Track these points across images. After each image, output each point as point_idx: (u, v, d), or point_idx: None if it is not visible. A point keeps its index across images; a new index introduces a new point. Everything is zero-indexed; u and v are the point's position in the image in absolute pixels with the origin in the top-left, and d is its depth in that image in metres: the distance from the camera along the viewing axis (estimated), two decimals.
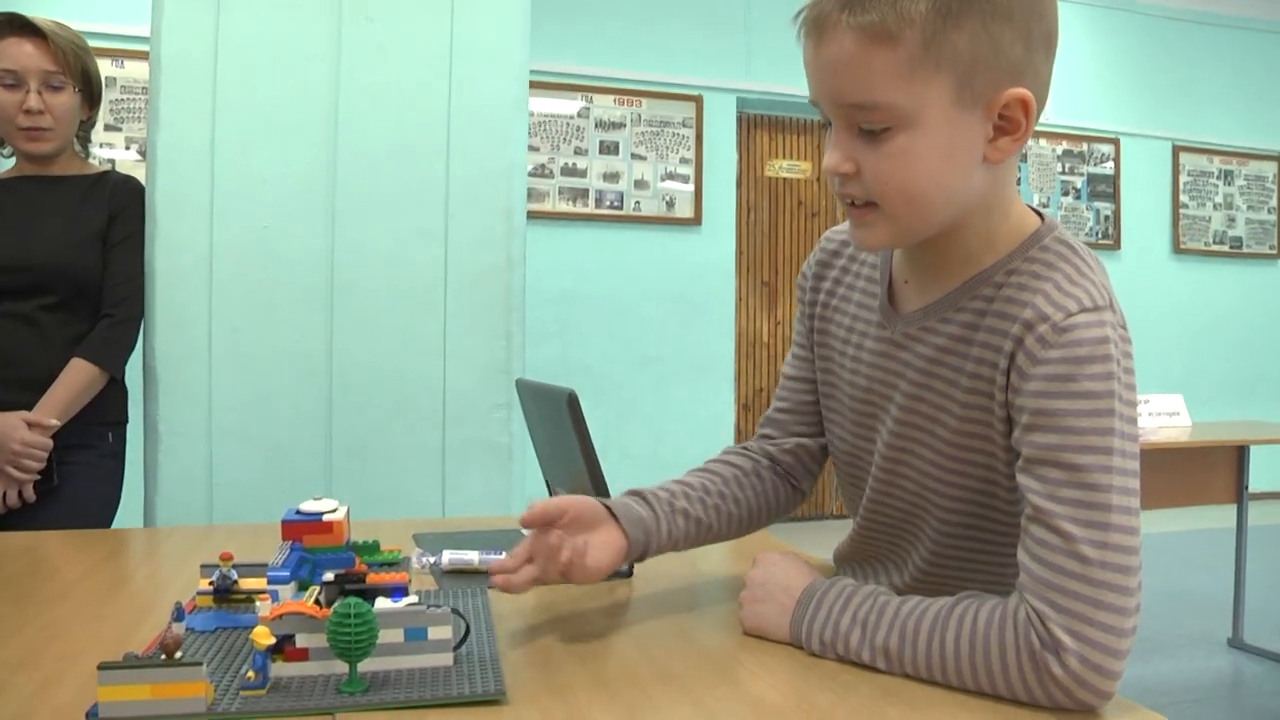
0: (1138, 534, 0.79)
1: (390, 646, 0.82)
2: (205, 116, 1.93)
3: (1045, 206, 6.17)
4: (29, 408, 1.77)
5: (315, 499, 1.00)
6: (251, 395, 1.95)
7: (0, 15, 1.85)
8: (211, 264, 1.93)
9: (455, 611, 0.85)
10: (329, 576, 0.89)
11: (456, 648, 0.84)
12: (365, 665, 0.80)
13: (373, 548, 1.15)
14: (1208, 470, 3.31)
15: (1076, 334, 0.81)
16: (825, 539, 1.59)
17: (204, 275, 1.93)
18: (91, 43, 1.99)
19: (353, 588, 0.87)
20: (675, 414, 5.38)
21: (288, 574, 0.88)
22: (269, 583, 0.87)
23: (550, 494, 1.44)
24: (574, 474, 1.19)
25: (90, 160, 2.01)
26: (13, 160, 1.94)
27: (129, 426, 1.96)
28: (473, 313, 2.07)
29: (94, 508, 1.85)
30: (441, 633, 0.83)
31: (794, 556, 1.02)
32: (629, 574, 1.18)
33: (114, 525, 1.88)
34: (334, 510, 0.99)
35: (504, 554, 1.18)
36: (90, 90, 1.93)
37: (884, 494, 1.01)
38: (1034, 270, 0.87)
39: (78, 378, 1.80)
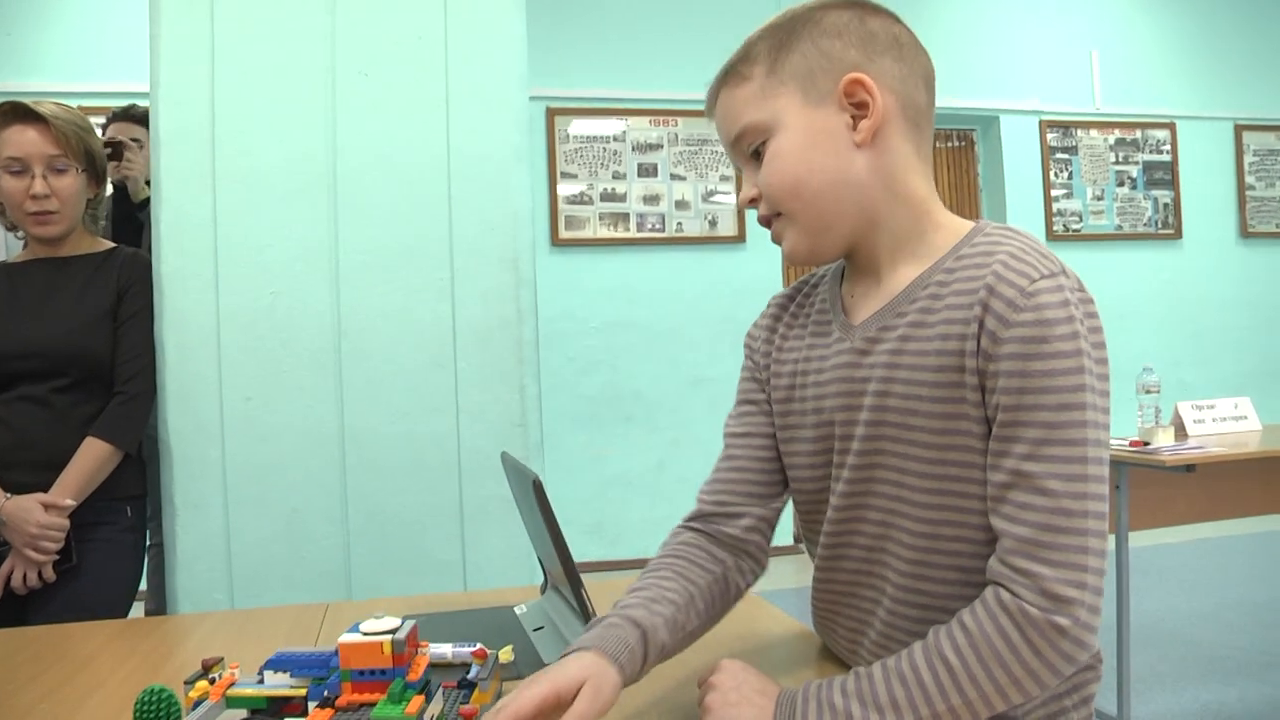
0: (1106, 483, 0.85)
1: None
2: (206, 189, 1.94)
3: (1099, 199, 5.98)
4: (46, 488, 1.79)
5: (376, 617, 0.91)
6: (265, 464, 1.95)
7: (3, 105, 1.89)
8: (219, 335, 1.94)
9: None
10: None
11: None
12: None
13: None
14: None
15: (1042, 298, 0.85)
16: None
17: (212, 347, 1.94)
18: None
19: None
20: None
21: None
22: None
23: (541, 568, 1.41)
24: (548, 553, 1.16)
25: (99, 238, 2.02)
26: (25, 244, 1.98)
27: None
28: (484, 367, 2.05)
29: (115, 583, 1.86)
30: None
31: (754, 668, 0.97)
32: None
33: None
34: (390, 631, 0.90)
35: (478, 646, 1.17)
36: (94, 169, 1.96)
37: (853, 513, 0.99)
38: (983, 250, 0.91)
39: (92, 457, 1.82)
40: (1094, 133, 5.98)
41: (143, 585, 2.29)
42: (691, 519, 1.10)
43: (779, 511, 1.11)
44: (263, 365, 1.96)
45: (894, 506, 0.95)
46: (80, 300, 1.89)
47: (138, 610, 2.02)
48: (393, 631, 0.86)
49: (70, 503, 1.78)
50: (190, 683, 0.97)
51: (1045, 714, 0.96)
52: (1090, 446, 0.83)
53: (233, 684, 0.94)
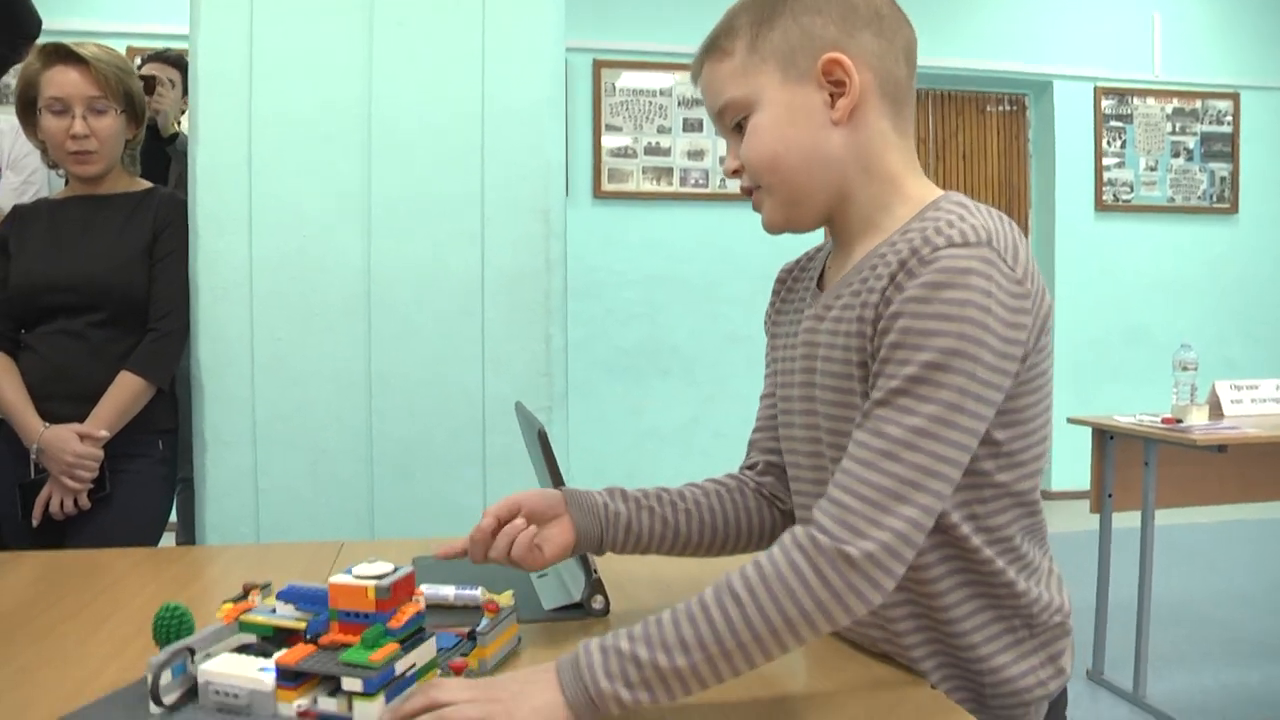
0: (958, 456, 0.85)
1: None
2: (242, 132, 1.97)
3: (1153, 170, 5.86)
4: (82, 420, 1.84)
5: (370, 561, 0.91)
6: (294, 404, 2.00)
7: (46, 46, 1.93)
8: (252, 277, 1.98)
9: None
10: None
11: None
12: None
13: None
14: None
15: (940, 264, 0.86)
16: None
17: (245, 288, 1.98)
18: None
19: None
20: None
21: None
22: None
23: None
24: None
25: (137, 177, 2.07)
26: (66, 182, 2.02)
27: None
28: (512, 317, 2.07)
29: (147, 513, 1.93)
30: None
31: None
32: (605, 612, 1.16)
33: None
34: (379, 576, 0.89)
35: (480, 590, 1.20)
36: (134, 110, 1.99)
37: (817, 483, 1.02)
38: (923, 220, 0.93)
39: (126, 390, 1.87)
40: (1151, 101, 5.84)
41: (175, 518, 2.37)
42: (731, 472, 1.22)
43: None
44: (293, 308, 2.00)
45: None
46: (118, 238, 1.93)
47: (169, 541, 2.09)
48: (381, 577, 0.87)
49: (105, 433, 1.84)
50: (230, 601, 1.00)
51: (1017, 673, 0.97)
52: (946, 409, 0.84)
53: (249, 610, 0.98)
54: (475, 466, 2.07)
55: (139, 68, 2.80)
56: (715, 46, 1.01)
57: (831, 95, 0.96)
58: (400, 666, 0.85)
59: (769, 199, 1.01)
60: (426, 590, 1.18)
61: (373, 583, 0.86)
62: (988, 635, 0.96)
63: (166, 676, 0.87)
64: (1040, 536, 1.00)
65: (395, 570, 0.89)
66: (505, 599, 1.19)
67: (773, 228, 1.03)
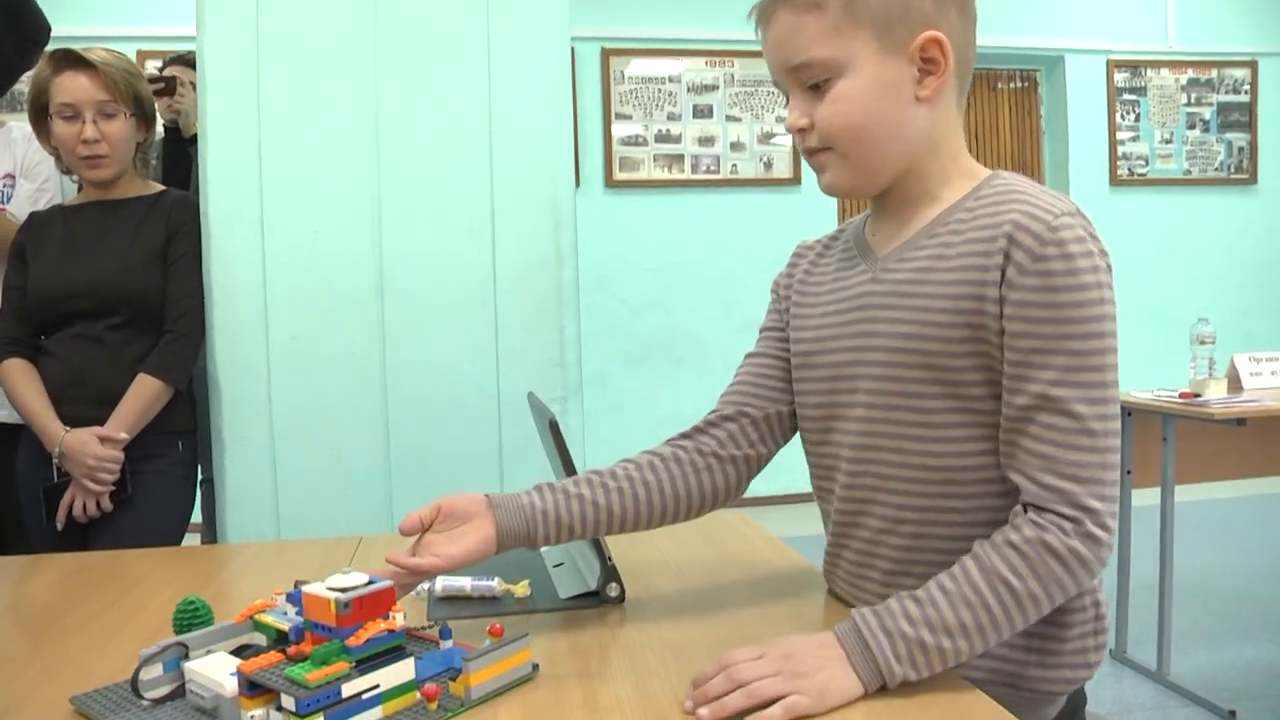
0: (1119, 408, 0.91)
1: None
2: (251, 133, 1.98)
3: (1168, 143, 5.81)
4: (101, 422, 1.87)
5: (345, 573, 0.89)
6: (310, 401, 2.02)
7: (56, 52, 1.95)
8: (265, 275, 1.99)
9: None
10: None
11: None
12: None
13: None
14: None
15: (1065, 234, 0.90)
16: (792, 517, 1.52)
17: (258, 287, 1.99)
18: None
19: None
20: None
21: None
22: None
23: None
24: None
25: (149, 180, 2.09)
26: (80, 188, 2.05)
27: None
28: (524, 309, 2.08)
29: (168, 513, 1.96)
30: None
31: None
32: (620, 599, 1.17)
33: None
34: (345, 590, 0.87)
35: (496, 580, 1.22)
36: (143, 113, 2.02)
37: (870, 447, 1.02)
38: (1001, 191, 0.97)
39: (144, 392, 1.90)
40: (1165, 72, 5.79)
41: (199, 519, 2.39)
42: (678, 435, 1.18)
43: (774, 426, 1.16)
44: (306, 305, 2.01)
45: (906, 432, 0.99)
46: (132, 242, 1.96)
47: (193, 541, 2.11)
48: (347, 590, 0.84)
49: (124, 436, 1.87)
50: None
51: (1052, 662, 0.99)
52: (1109, 372, 0.90)
53: (264, 610, 0.98)
54: (491, 458, 2.08)
55: (160, 70, 2.82)
56: None
57: (920, 71, 0.97)
58: (353, 689, 0.81)
59: (840, 164, 1.00)
60: (443, 581, 1.21)
61: (335, 595, 0.83)
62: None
63: (156, 671, 0.87)
64: None
65: (369, 583, 0.86)
66: (521, 589, 1.21)
67: (836, 190, 1.03)
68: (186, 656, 0.89)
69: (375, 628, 0.84)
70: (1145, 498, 3.01)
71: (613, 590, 1.17)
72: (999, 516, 0.94)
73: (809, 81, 0.99)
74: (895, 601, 0.90)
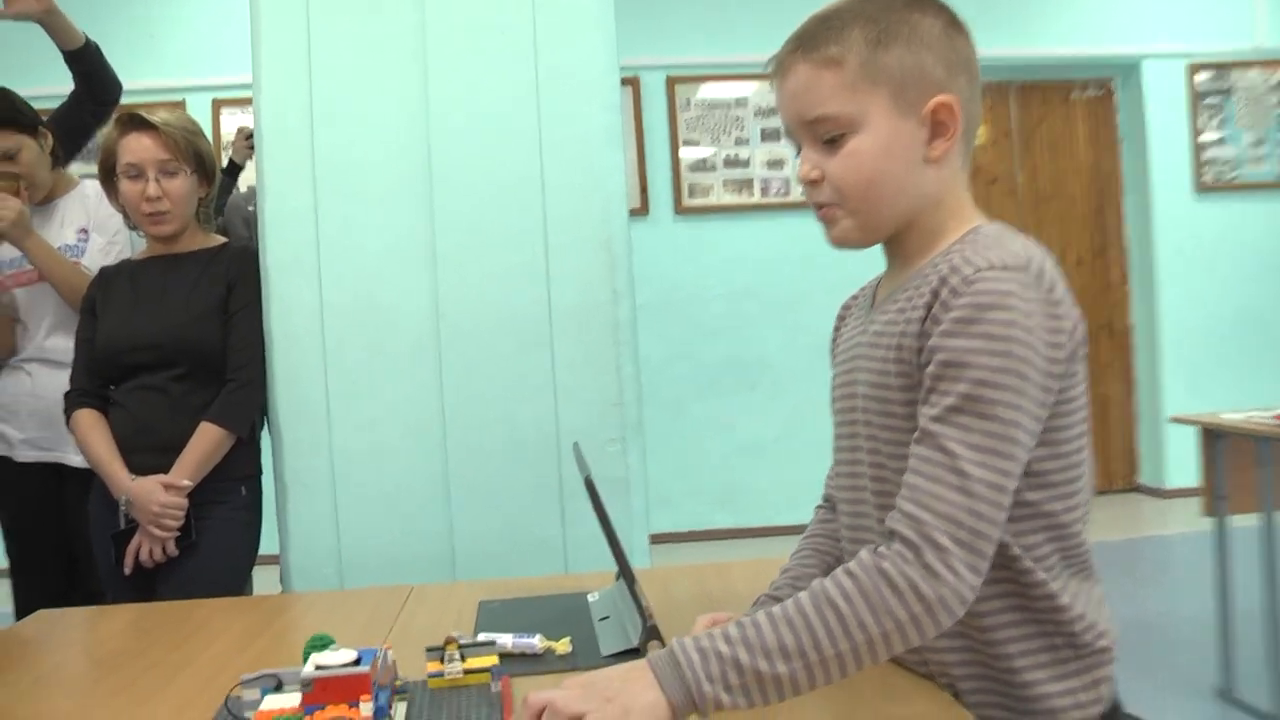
0: (1014, 469, 0.88)
1: None
2: (306, 182, 2.00)
3: (1259, 145, 5.57)
4: (166, 470, 1.90)
5: (333, 649, 0.92)
6: (369, 446, 2.02)
7: (121, 115, 2.02)
8: (323, 322, 2.01)
9: None
10: None
11: None
12: None
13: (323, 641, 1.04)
14: None
15: (982, 285, 0.90)
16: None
17: (316, 334, 2.01)
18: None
19: None
20: None
21: None
22: None
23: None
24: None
25: (212, 233, 2.13)
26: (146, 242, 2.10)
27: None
28: (581, 349, 2.06)
29: (231, 557, 1.98)
30: None
31: None
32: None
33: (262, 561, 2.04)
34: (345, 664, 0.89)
35: (538, 638, 1.19)
36: (204, 170, 2.06)
37: (860, 507, 1.06)
38: (962, 246, 0.97)
39: (207, 440, 1.93)
40: (1253, 73, 5.56)
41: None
42: (822, 501, 1.26)
43: None
44: (364, 351, 2.03)
45: (876, 475, 1.02)
46: (193, 294, 2.00)
47: (268, 579, 2.13)
48: (323, 668, 0.86)
49: (188, 483, 1.89)
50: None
51: (1054, 691, 0.96)
52: (1005, 426, 0.87)
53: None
54: (552, 499, 2.06)
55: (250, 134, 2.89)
56: (822, 52, 0.99)
57: (930, 133, 0.99)
58: None
59: (849, 219, 1.02)
60: (484, 639, 1.18)
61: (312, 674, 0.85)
62: (1026, 649, 0.96)
63: (253, 693, 0.93)
64: (1080, 564, 0.99)
65: (359, 660, 0.87)
66: (562, 646, 1.19)
67: (844, 244, 1.05)
68: (279, 688, 0.92)
69: (337, 712, 0.83)
70: (1243, 520, 2.86)
71: (654, 649, 1.12)
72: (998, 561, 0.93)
73: (824, 136, 1.00)
74: (720, 627, 0.89)
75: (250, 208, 2.61)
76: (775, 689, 0.85)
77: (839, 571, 0.88)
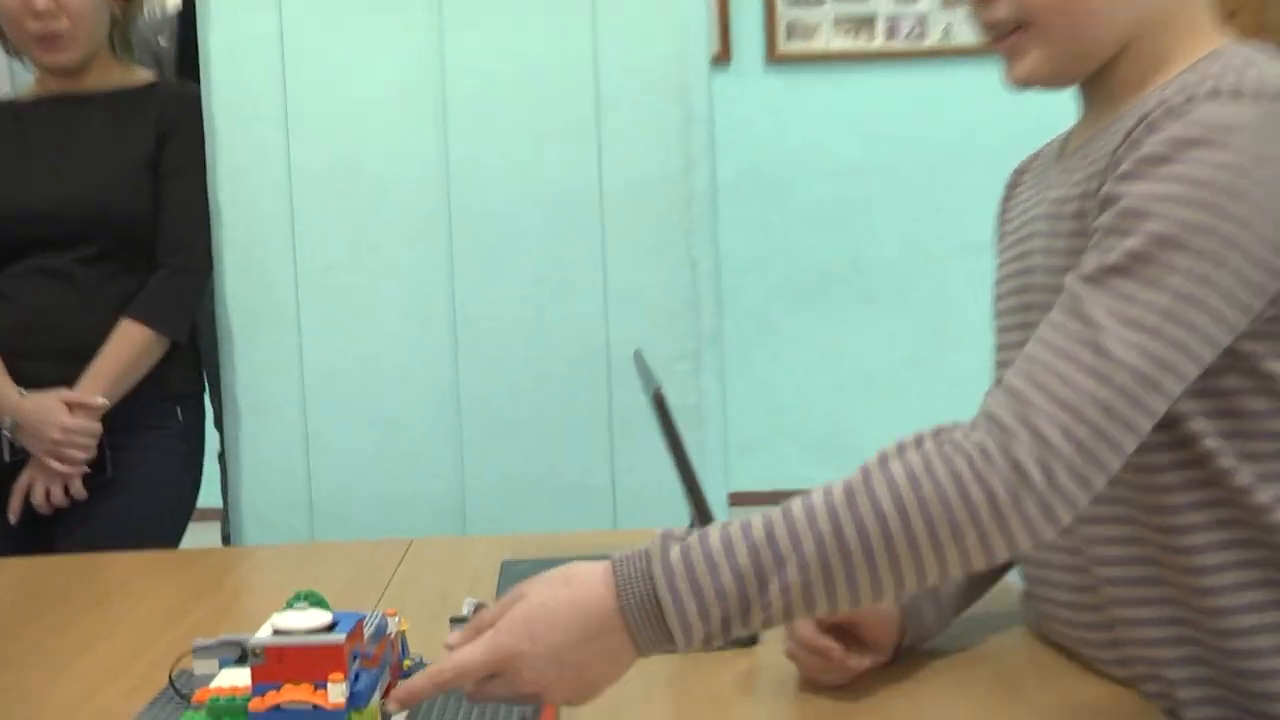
0: (1191, 371, 0.85)
1: None
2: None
3: None
4: (70, 383, 1.89)
5: (300, 609, 0.89)
6: (355, 356, 2.04)
7: None
8: (291, 189, 2.02)
9: None
10: None
11: None
12: None
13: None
14: None
15: (1195, 115, 0.87)
16: None
17: (283, 204, 2.02)
18: None
19: None
20: None
21: None
22: None
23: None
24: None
25: (135, 66, 2.09)
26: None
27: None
28: (641, 233, 2.07)
29: (163, 502, 1.99)
30: None
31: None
32: (752, 642, 1.19)
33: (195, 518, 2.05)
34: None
35: None
36: None
37: None
38: (1192, 73, 0.92)
39: (128, 345, 1.91)
40: None
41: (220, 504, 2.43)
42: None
43: None
44: (348, 228, 2.03)
45: None
46: (109, 147, 1.96)
47: (205, 533, 2.13)
48: (283, 634, 0.83)
49: (102, 401, 1.88)
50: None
51: None
52: (1177, 301, 0.84)
53: None
54: (599, 435, 2.09)
55: None
56: None
57: None
58: None
59: (1040, 45, 0.99)
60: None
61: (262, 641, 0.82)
62: (1266, 622, 0.92)
63: (209, 665, 0.91)
64: None
65: (335, 625, 0.84)
66: None
67: (1032, 81, 1.02)
68: (244, 660, 0.88)
69: (295, 694, 0.80)
70: None
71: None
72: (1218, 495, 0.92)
73: None
74: (705, 539, 0.89)
75: (160, 38, 2.54)
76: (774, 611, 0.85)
77: (890, 448, 0.91)
